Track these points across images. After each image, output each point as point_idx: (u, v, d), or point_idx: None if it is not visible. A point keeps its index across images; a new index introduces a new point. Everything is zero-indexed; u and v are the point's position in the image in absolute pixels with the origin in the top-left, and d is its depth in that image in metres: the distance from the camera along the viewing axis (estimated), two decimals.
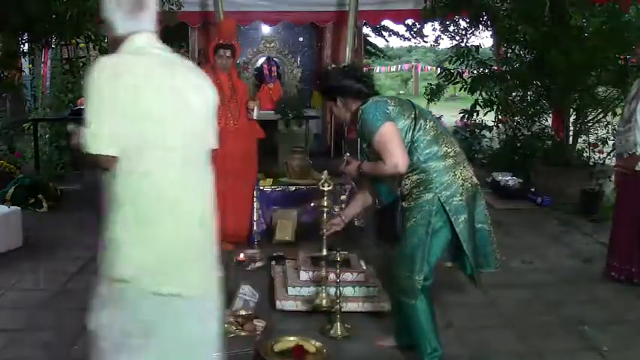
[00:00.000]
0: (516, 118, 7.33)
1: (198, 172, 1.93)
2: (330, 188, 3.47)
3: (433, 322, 2.89)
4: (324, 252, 3.45)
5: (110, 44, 2.02)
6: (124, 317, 1.83)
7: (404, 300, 2.88)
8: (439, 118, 2.76)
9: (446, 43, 11.67)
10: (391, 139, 2.76)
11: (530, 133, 7.21)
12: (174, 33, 8.08)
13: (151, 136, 1.80)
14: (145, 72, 1.83)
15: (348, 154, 3.21)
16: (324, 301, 3.42)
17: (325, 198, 3.43)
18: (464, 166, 2.86)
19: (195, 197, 1.91)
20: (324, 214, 3.35)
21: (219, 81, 4.81)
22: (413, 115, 2.81)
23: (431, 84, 7.71)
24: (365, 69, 8.87)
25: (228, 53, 4.80)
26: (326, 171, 3.49)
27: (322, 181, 3.48)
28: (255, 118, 4.99)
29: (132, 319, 1.82)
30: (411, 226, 2.82)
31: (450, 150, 2.84)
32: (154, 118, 1.80)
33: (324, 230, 3.35)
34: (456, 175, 2.80)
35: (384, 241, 3.06)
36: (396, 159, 2.75)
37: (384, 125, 2.77)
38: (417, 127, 2.80)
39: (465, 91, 6.91)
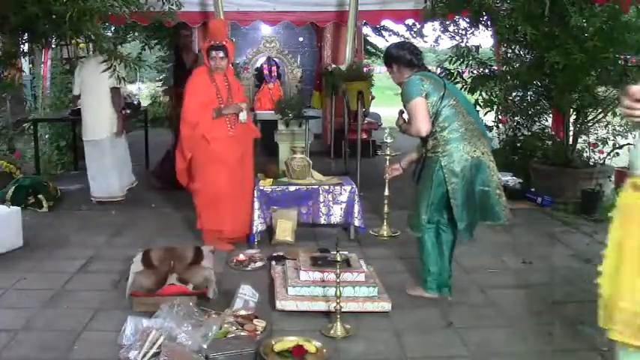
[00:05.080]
0: (516, 118, 7.32)
1: None
2: (392, 140, 5.14)
3: (440, 253, 3.73)
4: (387, 192, 5.05)
5: None
6: None
7: (413, 233, 3.75)
8: (466, 100, 3.82)
9: (446, 43, 11.68)
10: (419, 110, 3.58)
11: (530, 133, 7.20)
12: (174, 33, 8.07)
13: None
14: None
15: (402, 110, 3.89)
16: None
17: (388, 148, 5.07)
18: (468, 142, 3.56)
19: None
20: (387, 162, 4.63)
21: (215, 83, 4.75)
22: (442, 93, 3.60)
23: None
24: (365, 69, 8.88)
25: (221, 54, 4.67)
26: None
27: (386, 135, 5.17)
28: (242, 121, 4.77)
29: None
30: (422, 179, 3.68)
31: (460, 126, 3.57)
32: None
33: (387, 175, 4.70)
34: (457, 147, 3.54)
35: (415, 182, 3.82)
36: (419, 125, 3.59)
37: (416, 99, 3.59)
38: (443, 103, 3.59)
39: (465, 91, 6.89)
